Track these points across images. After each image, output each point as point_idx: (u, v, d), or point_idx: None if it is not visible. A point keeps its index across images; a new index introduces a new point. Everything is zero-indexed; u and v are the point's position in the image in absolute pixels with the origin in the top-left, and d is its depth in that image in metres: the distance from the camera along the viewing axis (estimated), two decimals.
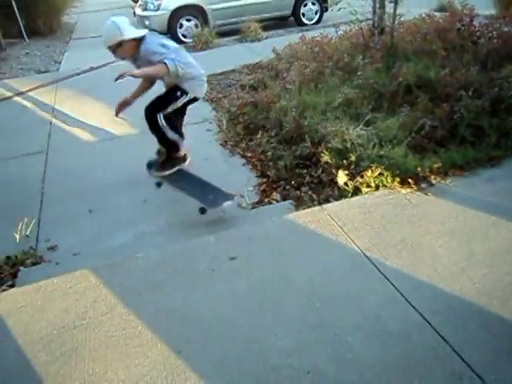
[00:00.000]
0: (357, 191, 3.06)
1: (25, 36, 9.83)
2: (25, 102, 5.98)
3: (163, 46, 3.07)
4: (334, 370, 1.82)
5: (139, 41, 3.09)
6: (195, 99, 3.43)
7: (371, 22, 5.32)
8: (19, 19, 9.64)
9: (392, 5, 4.87)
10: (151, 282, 2.40)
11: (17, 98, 6.17)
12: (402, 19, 5.19)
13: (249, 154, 4.01)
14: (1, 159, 4.38)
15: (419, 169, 3.08)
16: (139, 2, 9.69)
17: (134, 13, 9.69)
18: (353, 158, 3.24)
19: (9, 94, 6.31)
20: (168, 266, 2.50)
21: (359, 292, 2.20)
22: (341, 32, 5.96)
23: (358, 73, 4.44)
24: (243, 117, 4.58)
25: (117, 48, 3.06)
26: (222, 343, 1.99)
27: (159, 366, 1.91)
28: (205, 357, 1.93)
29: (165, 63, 2.91)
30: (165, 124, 3.32)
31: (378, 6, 5.07)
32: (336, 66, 4.86)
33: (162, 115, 3.29)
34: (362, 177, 3.09)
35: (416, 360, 1.84)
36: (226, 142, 4.31)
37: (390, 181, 3.03)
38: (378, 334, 1.96)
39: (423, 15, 5.63)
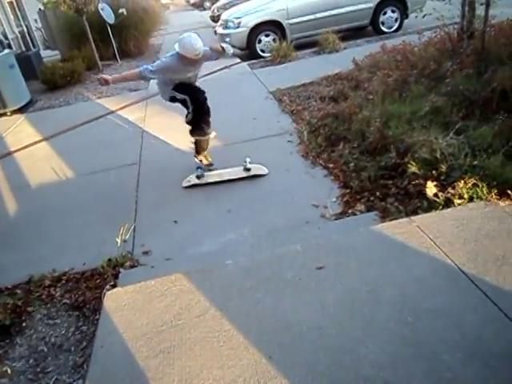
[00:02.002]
0: (448, 203, 2.92)
1: (118, 58, 10.73)
2: (119, 119, 6.53)
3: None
4: None
5: None
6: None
7: (458, 27, 5.09)
8: (113, 43, 10.56)
9: (482, 7, 4.62)
10: (241, 288, 2.49)
11: (112, 115, 6.74)
12: (493, 21, 4.90)
13: (331, 165, 4.00)
14: (103, 170, 4.81)
15: None
16: (220, 22, 10.16)
17: (215, 31, 10.16)
18: (443, 169, 3.10)
19: (105, 111, 6.92)
20: (256, 273, 2.57)
21: (456, 309, 2.10)
22: (425, 38, 5.78)
23: (446, 80, 4.26)
24: (324, 128, 4.58)
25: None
26: (312, 351, 2.00)
27: (251, 369, 1.97)
28: (296, 363, 1.96)
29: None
30: None
31: (467, 9, 4.83)
32: (421, 73, 4.72)
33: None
34: (453, 188, 2.95)
35: None
36: (307, 153, 4.34)
37: (485, 192, 2.85)
38: (479, 354, 1.85)
39: None
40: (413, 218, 2.82)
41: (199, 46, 3.53)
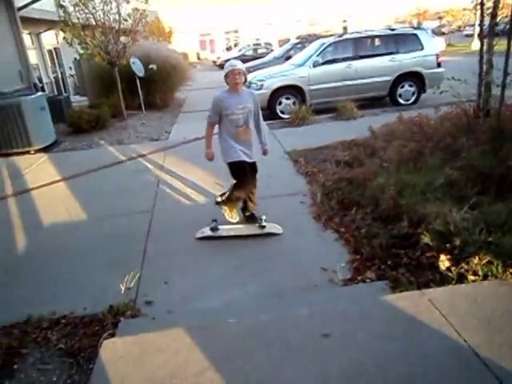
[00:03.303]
0: (461, 278, 2.85)
1: (143, 108, 11.20)
2: (137, 166, 6.69)
3: None
4: None
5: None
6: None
7: (475, 104, 5.23)
8: (140, 94, 11.07)
9: (498, 88, 4.77)
10: (242, 349, 2.39)
11: (131, 162, 6.92)
12: (509, 102, 5.03)
13: (342, 229, 3.98)
14: (116, 215, 4.86)
15: None
16: None
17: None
18: (457, 243, 3.06)
19: (125, 157, 7.11)
20: (259, 334, 2.48)
21: None
22: (441, 113, 5.93)
23: (462, 154, 4.31)
24: (338, 192, 4.61)
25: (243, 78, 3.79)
26: None
27: None
28: None
29: None
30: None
31: (483, 89, 4.99)
32: (436, 146, 4.79)
33: None
34: (467, 263, 2.89)
35: None
36: (319, 215, 4.34)
37: (500, 270, 2.78)
38: None
39: None
40: (424, 290, 2.74)
41: (239, 64, 3.75)
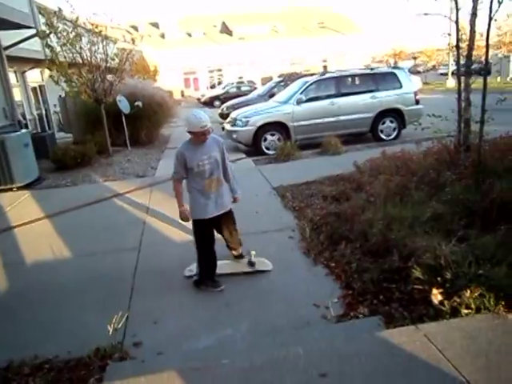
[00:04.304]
0: (455, 312, 2.84)
1: (128, 145, 11.22)
2: (123, 202, 6.62)
3: None
4: None
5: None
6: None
7: (455, 140, 5.40)
8: (126, 131, 11.12)
9: (477, 124, 4.96)
10: None
11: (117, 199, 6.85)
12: (488, 137, 5.22)
13: (332, 264, 3.97)
14: (101, 252, 4.76)
15: None
16: (228, 119, 10.82)
17: (223, 128, 10.78)
18: (448, 276, 3.07)
19: (110, 194, 7.04)
20: (255, 376, 2.41)
21: None
22: (422, 148, 6.11)
23: (446, 189, 4.41)
24: (326, 226, 4.63)
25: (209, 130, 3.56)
26: None
27: None
28: None
29: None
30: None
31: (462, 125, 5.18)
32: (421, 180, 4.90)
33: None
34: (459, 297, 2.89)
35: None
36: (308, 250, 4.33)
37: (493, 303, 2.79)
38: None
39: None
40: (419, 326, 2.72)
41: (205, 118, 3.49)
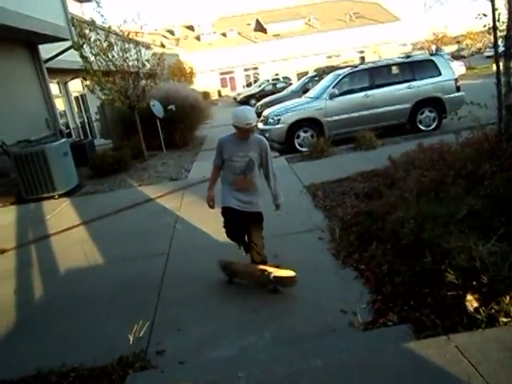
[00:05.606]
0: (492, 320, 2.60)
1: (163, 148, 11.41)
2: (155, 207, 6.70)
3: None
4: None
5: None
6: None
7: (496, 128, 5.02)
8: (161, 134, 11.30)
9: None
10: None
11: (150, 203, 6.95)
12: None
13: (362, 267, 3.80)
14: (132, 258, 4.82)
15: None
16: (261, 118, 10.74)
17: (257, 127, 10.69)
18: (485, 280, 2.82)
19: (144, 199, 7.15)
20: None
21: None
22: (462, 139, 5.73)
23: (485, 182, 4.09)
24: (357, 226, 4.44)
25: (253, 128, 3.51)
26: None
27: None
28: None
29: None
30: None
31: (504, 111, 4.79)
32: (458, 174, 4.58)
33: None
34: (497, 303, 2.64)
35: None
36: (338, 251, 4.17)
37: None
38: None
39: None
40: (451, 336, 2.51)
41: (252, 116, 3.44)
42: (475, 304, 2.70)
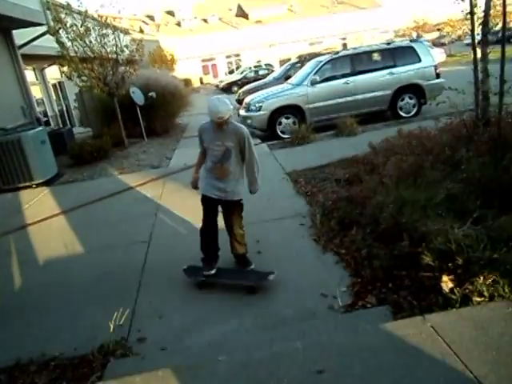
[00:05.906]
0: (466, 300, 2.67)
1: (144, 136, 11.24)
2: (136, 195, 6.63)
3: None
4: None
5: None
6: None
7: (474, 114, 5.10)
8: (141, 122, 11.13)
9: (496, 96, 4.65)
10: None
11: (131, 191, 6.87)
12: (508, 109, 4.89)
13: (342, 251, 3.84)
14: (112, 246, 4.78)
15: None
16: (243, 105, 10.67)
17: (238, 114, 10.63)
18: (460, 261, 2.89)
19: (125, 187, 7.06)
20: (251, 373, 2.33)
21: None
22: (441, 124, 5.80)
23: (462, 166, 4.17)
24: (337, 212, 4.48)
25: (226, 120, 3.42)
26: None
27: None
28: None
29: None
30: None
31: (480, 97, 4.87)
32: (436, 159, 4.65)
33: None
34: (471, 284, 2.72)
35: None
36: (319, 237, 4.21)
37: (507, 290, 2.61)
38: None
39: None
40: (427, 316, 2.57)
41: (224, 109, 3.34)
42: (450, 285, 2.76)
